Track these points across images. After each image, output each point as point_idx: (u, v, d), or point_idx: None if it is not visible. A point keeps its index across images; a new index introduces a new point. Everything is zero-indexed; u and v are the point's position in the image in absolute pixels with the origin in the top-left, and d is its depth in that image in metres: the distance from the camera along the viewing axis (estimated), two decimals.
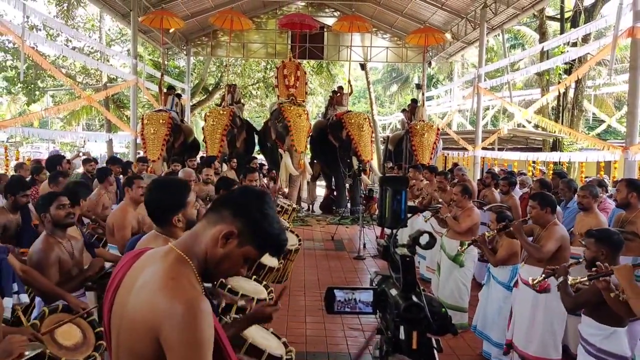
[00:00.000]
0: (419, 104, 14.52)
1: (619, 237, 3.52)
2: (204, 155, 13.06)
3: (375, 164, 14.13)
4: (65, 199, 3.56)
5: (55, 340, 2.72)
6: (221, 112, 13.38)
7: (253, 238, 1.52)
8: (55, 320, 2.89)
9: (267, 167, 13.27)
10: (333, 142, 13.70)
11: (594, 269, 3.17)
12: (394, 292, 1.67)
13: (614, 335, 3.29)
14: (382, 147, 21.12)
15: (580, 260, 3.73)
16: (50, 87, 22.58)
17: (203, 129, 13.31)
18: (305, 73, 14.78)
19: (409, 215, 1.83)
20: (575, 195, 5.62)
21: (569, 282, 3.17)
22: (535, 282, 3.94)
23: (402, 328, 1.59)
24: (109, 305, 1.59)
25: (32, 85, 20.77)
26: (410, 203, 2.03)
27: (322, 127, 14.47)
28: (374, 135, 13.99)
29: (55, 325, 2.80)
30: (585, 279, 3.07)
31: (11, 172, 9.47)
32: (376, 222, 11.26)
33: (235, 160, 11.45)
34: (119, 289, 1.56)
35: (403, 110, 15.81)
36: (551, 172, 11.74)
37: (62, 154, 12.11)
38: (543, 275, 3.91)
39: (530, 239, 4.52)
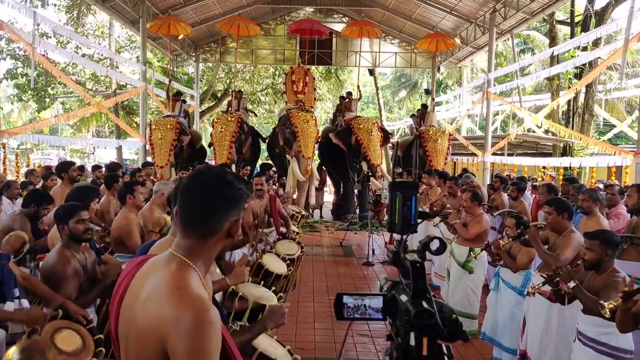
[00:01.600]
0: (428, 110, 14.48)
1: (618, 237, 3.65)
2: (209, 162, 13.09)
3: (384, 169, 14.06)
4: (85, 214, 3.54)
5: (55, 346, 2.73)
6: (229, 118, 13.35)
7: (240, 206, 1.57)
8: (55, 326, 2.90)
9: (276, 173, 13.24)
10: (342, 148, 13.68)
11: (625, 287, 3.10)
12: (404, 298, 1.65)
13: None
14: (390, 152, 21.06)
15: (579, 263, 3.70)
16: (61, 94, 22.77)
17: (211, 135, 13.29)
18: (313, 79, 14.78)
19: (419, 220, 1.80)
20: None
21: (606, 308, 3.02)
22: (534, 289, 3.90)
23: (412, 334, 1.56)
24: (116, 314, 1.58)
25: (43, 93, 20.97)
26: (420, 209, 2.00)
27: (329, 133, 14.45)
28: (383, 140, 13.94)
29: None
30: (620, 301, 2.93)
31: (22, 179, 9.52)
32: (385, 228, 11.24)
33: (249, 167, 11.50)
34: (125, 298, 1.55)
35: (412, 116, 15.76)
36: (562, 177, 11.65)
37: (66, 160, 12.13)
38: (540, 283, 3.87)
39: (546, 246, 4.45)
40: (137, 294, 1.49)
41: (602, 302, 3.02)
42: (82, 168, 8.17)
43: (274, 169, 11.80)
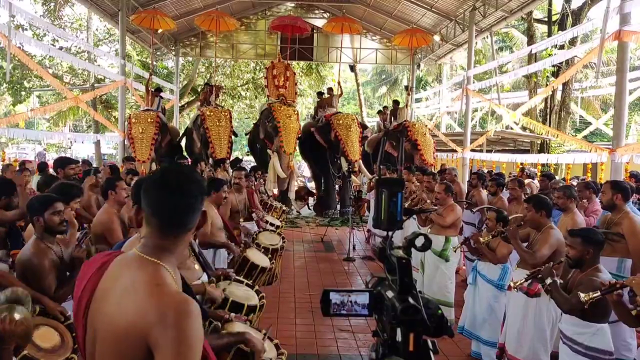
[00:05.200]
0: (401, 106, 14.53)
1: (602, 236, 3.61)
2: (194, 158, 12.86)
3: (362, 166, 14.06)
4: (60, 205, 3.46)
5: (33, 343, 2.70)
6: (224, 113, 13.03)
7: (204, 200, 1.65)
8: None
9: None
10: (322, 144, 13.69)
11: (600, 275, 3.15)
12: (390, 294, 1.67)
13: (600, 332, 3.37)
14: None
15: (562, 260, 3.76)
16: (37, 87, 22.34)
17: (206, 129, 12.69)
18: (294, 74, 14.72)
19: (404, 217, 1.83)
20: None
21: (582, 299, 3.06)
22: (517, 284, 3.96)
23: (398, 330, 1.59)
24: (83, 315, 1.57)
25: (18, 86, 20.54)
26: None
27: (311, 128, 14.44)
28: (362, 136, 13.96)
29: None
30: (599, 294, 2.99)
31: None
32: (366, 223, 11.29)
33: (227, 161, 11.45)
34: (93, 302, 1.55)
35: (379, 112, 15.76)
36: (539, 173, 11.82)
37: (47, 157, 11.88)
38: (523, 279, 3.94)
39: (526, 243, 4.54)
40: (109, 293, 1.49)
41: (579, 292, 3.08)
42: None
43: (242, 164, 11.64)
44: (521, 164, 13.77)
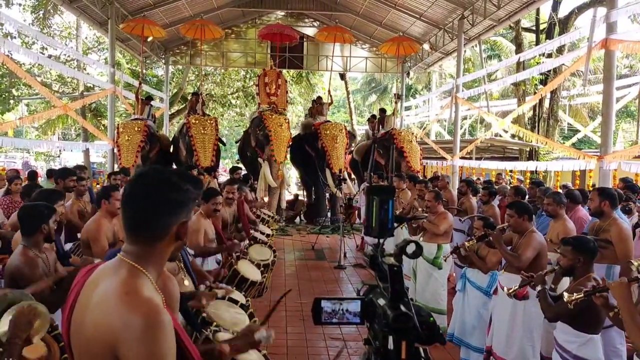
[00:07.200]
0: (388, 114, 14.58)
1: (595, 245, 3.58)
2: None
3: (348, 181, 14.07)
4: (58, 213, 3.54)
5: (20, 354, 2.66)
6: (209, 121, 12.99)
7: (188, 208, 1.54)
8: None
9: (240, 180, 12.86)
10: (310, 152, 13.73)
11: (590, 284, 3.18)
12: (382, 301, 1.67)
13: (590, 342, 3.36)
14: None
15: (555, 267, 3.78)
16: (25, 95, 22.22)
17: (191, 137, 12.64)
18: (286, 82, 14.74)
19: (395, 224, 1.83)
20: None
21: (565, 299, 3.08)
22: (511, 291, 3.99)
23: (390, 338, 1.58)
24: (67, 324, 1.54)
25: (7, 94, 20.41)
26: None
27: (301, 135, 14.44)
28: (348, 145, 14.01)
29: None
30: (582, 295, 3.01)
31: None
32: (356, 231, 11.29)
33: (217, 171, 11.39)
34: (75, 308, 1.51)
35: (369, 120, 15.84)
36: (528, 181, 11.91)
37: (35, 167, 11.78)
38: (517, 286, 3.97)
39: (510, 247, 4.58)
40: (87, 302, 1.45)
41: (564, 292, 3.10)
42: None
43: (243, 171, 11.60)
44: (510, 171, 13.86)
